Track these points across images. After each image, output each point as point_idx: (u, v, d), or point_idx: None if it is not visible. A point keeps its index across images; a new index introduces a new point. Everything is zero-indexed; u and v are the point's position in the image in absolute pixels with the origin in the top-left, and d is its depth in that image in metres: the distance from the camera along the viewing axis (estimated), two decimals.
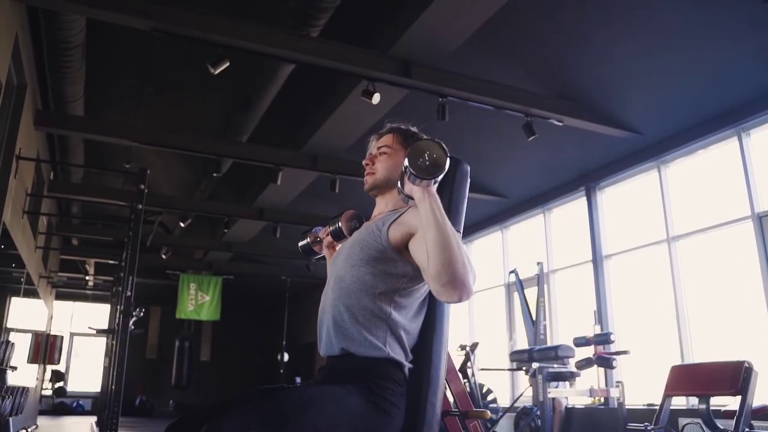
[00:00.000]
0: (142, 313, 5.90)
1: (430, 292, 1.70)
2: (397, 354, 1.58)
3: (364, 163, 1.90)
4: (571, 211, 8.21)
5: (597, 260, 7.42)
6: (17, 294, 7.70)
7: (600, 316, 7.10)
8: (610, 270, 7.40)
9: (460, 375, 8.11)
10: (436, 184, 1.54)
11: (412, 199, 1.59)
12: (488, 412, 1.70)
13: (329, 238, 2.04)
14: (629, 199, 7.47)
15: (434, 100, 5.71)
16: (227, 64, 4.97)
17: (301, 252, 2.21)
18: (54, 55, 5.62)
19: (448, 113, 5.68)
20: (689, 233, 6.50)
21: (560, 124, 6.20)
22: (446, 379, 1.78)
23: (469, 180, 1.86)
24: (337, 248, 2.00)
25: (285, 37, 5.20)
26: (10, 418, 4.02)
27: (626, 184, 7.45)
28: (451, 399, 2.45)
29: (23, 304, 8.37)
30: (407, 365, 1.60)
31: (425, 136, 1.88)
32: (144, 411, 14.60)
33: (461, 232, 1.84)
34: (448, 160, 1.52)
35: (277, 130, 7.85)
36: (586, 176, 7.68)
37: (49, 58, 5.69)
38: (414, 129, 1.90)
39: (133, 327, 6.13)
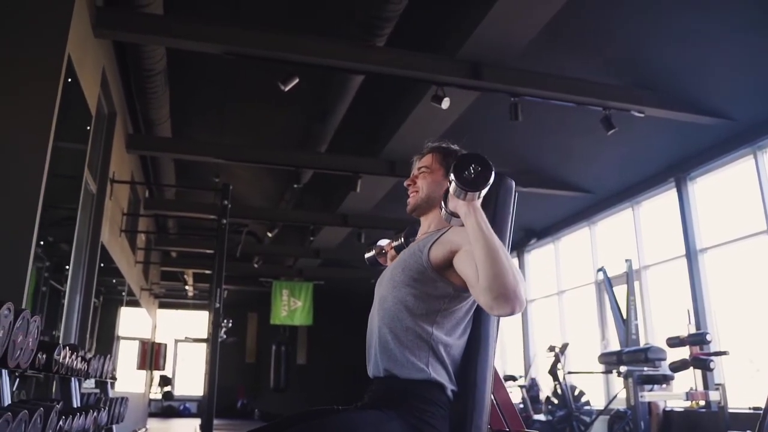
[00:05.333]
0: (230, 324, 6.17)
1: (474, 312, 1.69)
2: (440, 375, 1.58)
3: (405, 184, 1.91)
4: (661, 204, 7.82)
5: (691, 255, 7.03)
6: (123, 305, 8.23)
7: (696, 315, 6.73)
8: (706, 265, 6.99)
9: (551, 377, 7.94)
10: (481, 199, 1.54)
11: (456, 216, 1.59)
12: None
13: (393, 251, 2.09)
14: (724, 188, 7.03)
15: (508, 100, 5.60)
16: (296, 80, 5.09)
17: (367, 263, 2.26)
18: (139, 83, 5.95)
19: (522, 113, 5.56)
20: None
21: (641, 115, 5.92)
22: (494, 396, 1.75)
23: (514, 196, 1.83)
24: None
25: (351, 50, 5.26)
26: (114, 426, 4.29)
27: (720, 173, 7.02)
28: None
29: (129, 314, 8.94)
30: (450, 387, 1.59)
31: (465, 152, 1.86)
32: (245, 414, 15.17)
33: (509, 249, 1.81)
34: (493, 173, 1.51)
35: (354, 138, 7.96)
36: (676, 167, 7.30)
37: (136, 85, 6.04)
38: (454, 147, 1.89)
39: (225, 336, 6.41)
